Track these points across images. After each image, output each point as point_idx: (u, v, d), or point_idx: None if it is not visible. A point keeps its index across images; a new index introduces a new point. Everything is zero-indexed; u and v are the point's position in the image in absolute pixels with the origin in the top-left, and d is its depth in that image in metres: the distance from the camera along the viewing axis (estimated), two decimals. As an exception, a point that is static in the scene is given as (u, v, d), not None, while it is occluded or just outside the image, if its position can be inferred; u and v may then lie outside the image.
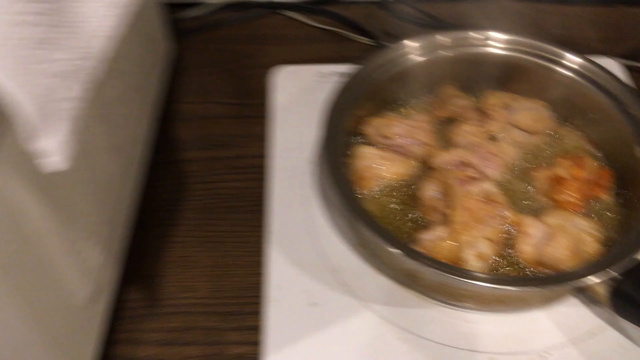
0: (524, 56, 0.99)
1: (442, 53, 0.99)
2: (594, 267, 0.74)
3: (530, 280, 0.82)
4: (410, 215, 0.88)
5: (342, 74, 0.95)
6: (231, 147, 1.16)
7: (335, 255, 0.87)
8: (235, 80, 1.29)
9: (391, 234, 0.79)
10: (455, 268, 0.75)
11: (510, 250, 0.83)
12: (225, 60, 1.26)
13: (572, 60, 0.97)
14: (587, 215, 0.86)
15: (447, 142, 1.01)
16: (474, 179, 0.87)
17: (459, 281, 0.71)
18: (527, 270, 0.83)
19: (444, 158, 0.96)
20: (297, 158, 0.99)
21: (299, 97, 1.13)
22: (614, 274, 0.73)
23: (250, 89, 1.26)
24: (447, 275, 0.71)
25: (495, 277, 0.81)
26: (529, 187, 0.96)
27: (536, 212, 0.87)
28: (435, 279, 0.75)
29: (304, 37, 1.40)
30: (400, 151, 1.01)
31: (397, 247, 0.74)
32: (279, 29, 1.42)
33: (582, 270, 0.76)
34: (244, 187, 1.10)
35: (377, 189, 0.92)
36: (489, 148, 0.97)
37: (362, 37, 1.38)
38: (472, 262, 0.79)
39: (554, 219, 0.87)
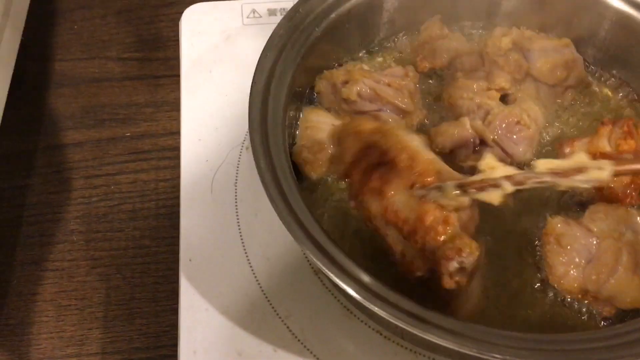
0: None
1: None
2: None
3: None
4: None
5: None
6: (133, 123, 0.87)
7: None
8: (137, 26, 0.96)
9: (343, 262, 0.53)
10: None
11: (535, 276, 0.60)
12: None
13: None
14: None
15: (440, 109, 0.69)
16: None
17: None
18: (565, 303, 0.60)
19: (448, 136, 0.64)
20: (215, 139, 0.74)
21: (218, 49, 0.80)
22: None
23: (159, 37, 0.93)
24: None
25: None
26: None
27: (571, 210, 0.65)
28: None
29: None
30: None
31: (350, 286, 0.51)
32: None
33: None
34: (150, 180, 0.79)
35: (331, 174, 0.67)
36: (513, 113, 0.65)
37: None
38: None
39: (601, 222, 0.62)
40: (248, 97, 0.62)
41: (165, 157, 0.81)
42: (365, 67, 0.75)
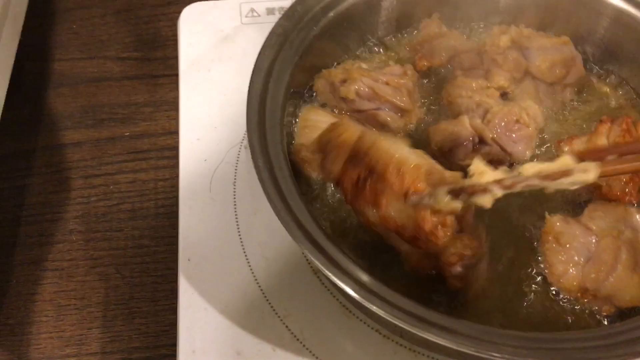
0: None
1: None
2: None
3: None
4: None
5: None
6: (132, 122, 0.87)
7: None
8: (135, 25, 0.96)
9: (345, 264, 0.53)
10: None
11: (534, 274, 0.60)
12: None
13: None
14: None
15: (439, 108, 0.68)
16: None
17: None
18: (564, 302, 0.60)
19: (446, 134, 0.64)
20: (214, 138, 0.74)
21: (216, 48, 0.79)
22: None
23: (158, 37, 0.93)
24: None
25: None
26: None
27: (570, 208, 0.65)
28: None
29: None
30: (365, 119, 0.70)
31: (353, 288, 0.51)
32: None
33: None
34: (149, 179, 0.79)
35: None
36: (512, 112, 0.65)
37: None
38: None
39: (600, 220, 0.62)
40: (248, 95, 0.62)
41: (164, 157, 0.81)
42: (364, 65, 0.75)
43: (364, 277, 0.52)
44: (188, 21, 0.83)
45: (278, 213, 0.54)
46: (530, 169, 0.51)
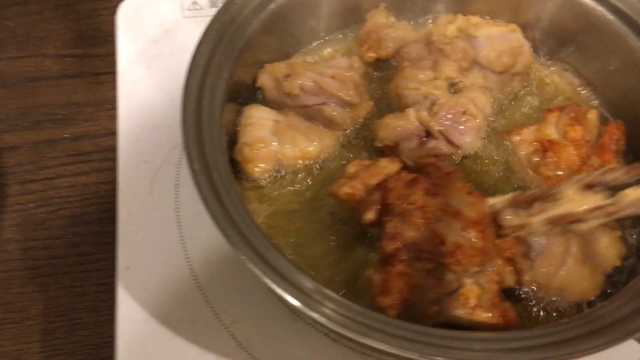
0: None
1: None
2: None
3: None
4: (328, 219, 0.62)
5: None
6: (73, 123, 0.83)
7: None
8: (75, 21, 0.91)
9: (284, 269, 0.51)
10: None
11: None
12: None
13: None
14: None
15: (386, 100, 0.67)
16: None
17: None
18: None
19: (391, 129, 0.62)
20: (155, 138, 0.71)
21: (157, 44, 0.76)
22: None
23: (99, 32, 0.90)
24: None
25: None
26: (508, 159, 0.64)
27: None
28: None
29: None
30: (311, 115, 0.69)
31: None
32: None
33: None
34: (91, 183, 0.75)
35: (272, 175, 0.66)
36: (459, 103, 0.63)
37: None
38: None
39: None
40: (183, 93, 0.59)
41: (107, 159, 0.78)
42: (310, 59, 0.72)
43: (309, 284, 0.50)
44: (127, 16, 0.80)
45: (214, 217, 0.51)
46: (633, 193, 0.49)
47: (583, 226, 0.53)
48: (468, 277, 0.53)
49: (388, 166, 0.57)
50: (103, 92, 0.84)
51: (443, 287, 0.53)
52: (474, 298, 0.53)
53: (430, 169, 0.57)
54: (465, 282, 0.53)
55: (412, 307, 0.53)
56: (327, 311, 0.48)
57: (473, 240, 0.53)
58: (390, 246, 0.53)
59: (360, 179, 0.57)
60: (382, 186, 0.56)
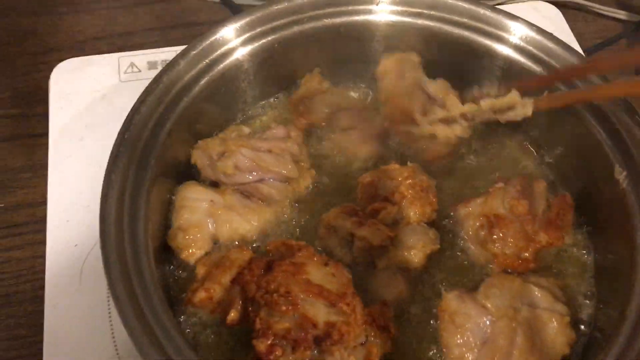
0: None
1: (296, 28, 0.60)
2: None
3: None
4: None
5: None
6: (8, 191, 0.79)
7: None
8: (12, 77, 0.87)
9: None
10: None
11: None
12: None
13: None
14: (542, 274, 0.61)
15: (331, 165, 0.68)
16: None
17: None
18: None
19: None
20: (85, 219, 0.68)
21: (91, 111, 0.73)
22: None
23: (38, 89, 0.86)
24: None
25: None
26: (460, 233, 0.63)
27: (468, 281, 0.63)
28: None
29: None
30: (248, 192, 0.65)
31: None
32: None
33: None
34: (25, 258, 0.72)
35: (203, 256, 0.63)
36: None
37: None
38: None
39: (495, 298, 0.60)
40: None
41: (44, 230, 0.75)
42: (246, 129, 0.70)
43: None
44: (59, 80, 0.76)
45: (132, 335, 0.49)
46: (486, 104, 0.63)
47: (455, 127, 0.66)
48: (349, 354, 0.52)
49: (238, 257, 0.56)
50: (40, 155, 0.80)
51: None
52: None
53: (282, 248, 0.56)
54: None
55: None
56: None
57: (343, 314, 0.52)
58: (262, 344, 0.51)
59: (213, 278, 0.55)
60: (238, 280, 0.54)
